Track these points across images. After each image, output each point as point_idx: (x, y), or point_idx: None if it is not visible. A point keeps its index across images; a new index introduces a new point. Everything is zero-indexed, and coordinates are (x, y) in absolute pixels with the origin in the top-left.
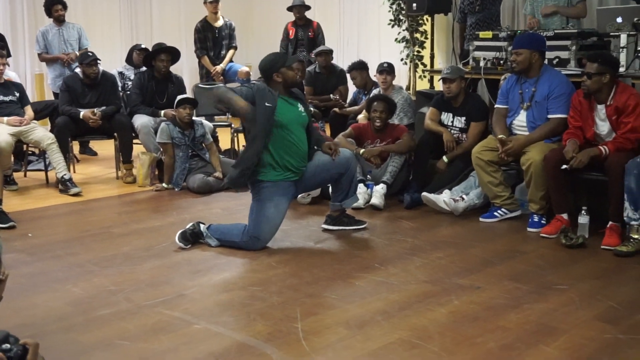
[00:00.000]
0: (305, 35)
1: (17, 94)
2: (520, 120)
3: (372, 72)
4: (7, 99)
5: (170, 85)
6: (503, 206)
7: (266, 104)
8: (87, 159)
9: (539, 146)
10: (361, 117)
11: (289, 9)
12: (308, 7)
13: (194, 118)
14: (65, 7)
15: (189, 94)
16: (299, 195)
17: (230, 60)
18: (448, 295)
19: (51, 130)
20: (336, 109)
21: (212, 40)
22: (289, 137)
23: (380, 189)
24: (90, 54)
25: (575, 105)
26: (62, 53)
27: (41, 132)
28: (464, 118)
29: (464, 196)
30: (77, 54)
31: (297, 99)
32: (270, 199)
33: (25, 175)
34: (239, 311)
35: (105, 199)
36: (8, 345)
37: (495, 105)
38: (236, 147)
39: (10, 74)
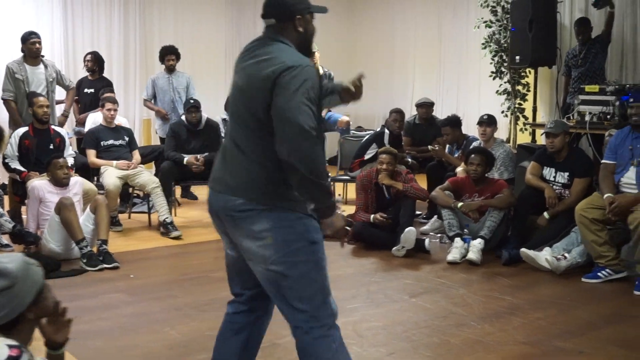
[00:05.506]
0: None
1: (127, 139)
2: (629, 177)
3: (473, 125)
4: (117, 143)
5: None
6: (608, 266)
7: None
8: (188, 202)
9: None
10: (459, 171)
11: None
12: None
13: None
14: (178, 57)
15: None
16: (394, 248)
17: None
18: (548, 359)
19: (156, 174)
20: (435, 158)
21: None
22: None
23: (477, 243)
24: (192, 101)
25: None
26: (171, 100)
27: (147, 176)
28: (567, 173)
29: (566, 254)
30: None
31: None
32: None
33: (129, 217)
34: None
35: (204, 243)
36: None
37: (603, 161)
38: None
39: (121, 120)
